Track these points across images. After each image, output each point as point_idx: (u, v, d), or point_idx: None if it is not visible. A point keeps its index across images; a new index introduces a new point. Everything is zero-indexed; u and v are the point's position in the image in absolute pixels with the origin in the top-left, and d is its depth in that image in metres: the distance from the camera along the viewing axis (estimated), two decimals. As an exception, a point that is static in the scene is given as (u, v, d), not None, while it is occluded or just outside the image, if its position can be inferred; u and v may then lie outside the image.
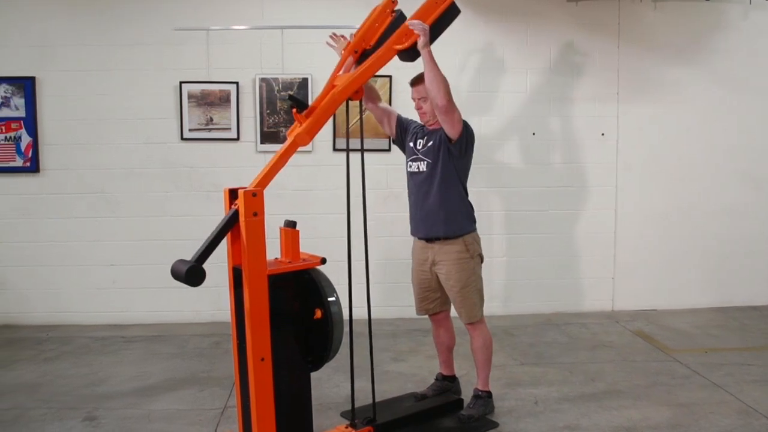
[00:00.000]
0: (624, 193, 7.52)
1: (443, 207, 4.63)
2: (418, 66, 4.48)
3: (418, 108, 4.74)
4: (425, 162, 4.66)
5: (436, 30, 4.39)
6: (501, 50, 7.29)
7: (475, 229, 4.77)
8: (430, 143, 4.66)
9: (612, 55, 7.38)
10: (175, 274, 3.44)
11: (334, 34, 4.82)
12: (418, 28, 4.25)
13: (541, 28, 7.30)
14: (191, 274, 3.37)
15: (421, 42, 4.26)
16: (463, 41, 7.14)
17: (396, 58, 4.37)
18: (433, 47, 4.36)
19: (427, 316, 5.00)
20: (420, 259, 4.85)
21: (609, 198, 7.51)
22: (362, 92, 4.33)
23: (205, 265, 3.46)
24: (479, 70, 7.24)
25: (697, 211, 7.64)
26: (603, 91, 7.40)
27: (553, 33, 7.32)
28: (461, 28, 7.16)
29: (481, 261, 4.79)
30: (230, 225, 3.58)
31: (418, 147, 4.75)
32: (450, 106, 4.43)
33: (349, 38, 4.63)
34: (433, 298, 4.88)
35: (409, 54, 4.37)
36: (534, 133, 7.34)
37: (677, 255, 7.65)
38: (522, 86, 7.33)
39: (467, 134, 4.60)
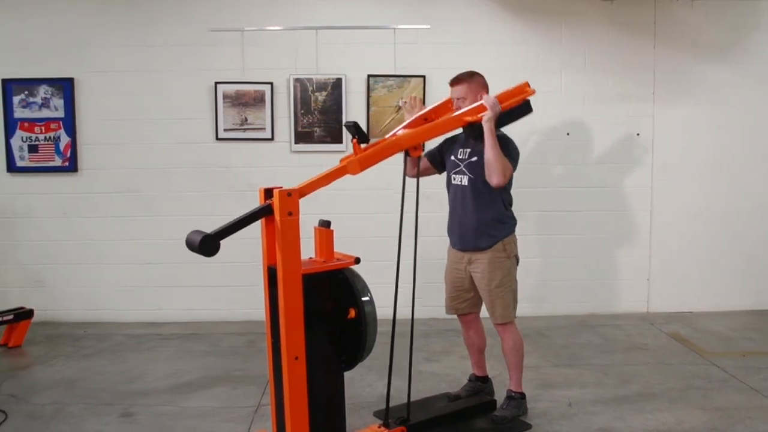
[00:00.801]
0: (659, 194, 7.46)
1: (483, 222, 4.64)
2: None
3: (457, 108, 4.73)
4: (467, 177, 4.65)
5: (504, 116, 4.48)
6: (535, 49, 7.26)
7: (513, 232, 4.76)
8: (474, 158, 4.62)
9: (648, 55, 7.32)
10: (189, 244, 3.45)
11: (413, 98, 4.90)
12: (489, 103, 4.35)
13: (576, 27, 7.26)
14: (204, 243, 3.36)
15: (486, 115, 4.34)
16: (497, 40, 7.14)
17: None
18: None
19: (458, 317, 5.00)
20: (456, 257, 4.84)
21: (644, 199, 7.46)
22: (421, 150, 4.41)
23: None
24: (513, 70, 7.19)
25: (733, 212, 7.56)
26: (638, 90, 7.34)
27: (588, 32, 7.28)
28: (495, 28, 7.20)
29: (517, 262, 4.77)
30: (259, 215, 3.60)
31: (460, 157, 4.73)
32: (504, 183, 4.46)
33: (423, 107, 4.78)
34: (464, 298, 4.87)
35: (475, 129, 4.47)
36: (568, 133, 7.31)
37: (713, 256, 7.58)
38: (556, 86, 7.29)
39: (513, 166, 4.58)
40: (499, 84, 7.10)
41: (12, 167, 7.13)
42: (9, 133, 7.07)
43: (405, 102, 4.93)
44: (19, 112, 7.05)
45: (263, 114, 7.13)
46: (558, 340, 6.60)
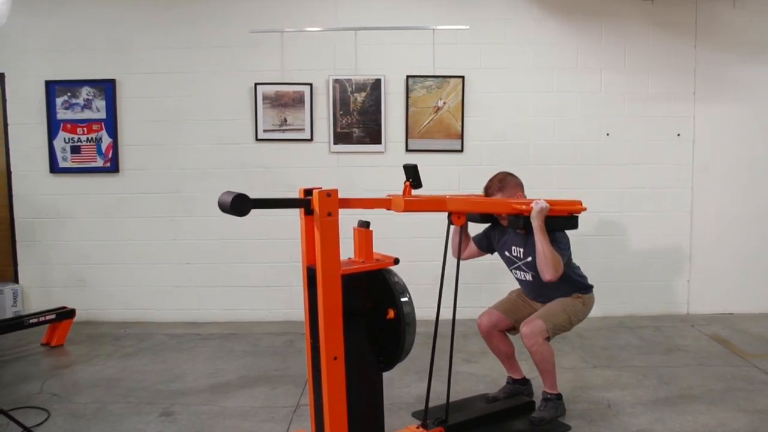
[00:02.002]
0: (700, 195, 7.39)
1: (558, 293, 4.74)
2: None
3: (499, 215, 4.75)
4: (530, 274, 4.71)
5: (551, 221, 4.48)
6: (574, 50, 7.22)
7: (591, 292, 4.92)
8: (530, 258, 4.63)
9: (688, 54, 7.25)
10: (221, 205, 3.47)
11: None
12: (539, 203, 4.39)
13: (616, 27, 7.21)
14: (237, 202, 3.39)
15: (534, 212, 4.38)
16: (536, 40, 7.12)
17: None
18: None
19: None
20: None
21: (685, 199, 7.39)
22: (463, 220, 4.43)
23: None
24: (552, 70, 7.19)
25: (775, 213, 7.48)
26: (679, 90, 7.28)
27: (627, 32, 7.22)
28: (533, 28, 7.17)
29: (583, 316, 4.86)
30: (297, 203, 3.65)
31: (514, 254, 4.76)
32: (556, 278, 4.45)
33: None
34: (512, 312, 4.90)
35: (518, 219, 4.51)
36: (608, 134, 7.26)
37: (755, 258, 7.48)
38: (596, 86, 7.25)
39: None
40: (540, 84, 7.12)
41: (55, 168, 7.23)
42: (52, 135, 7.17)
43: None
44: (61, 114, 7.15)
45: (302, 115, 7.16)
46: (597, 342, 6.56)
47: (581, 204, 4.66)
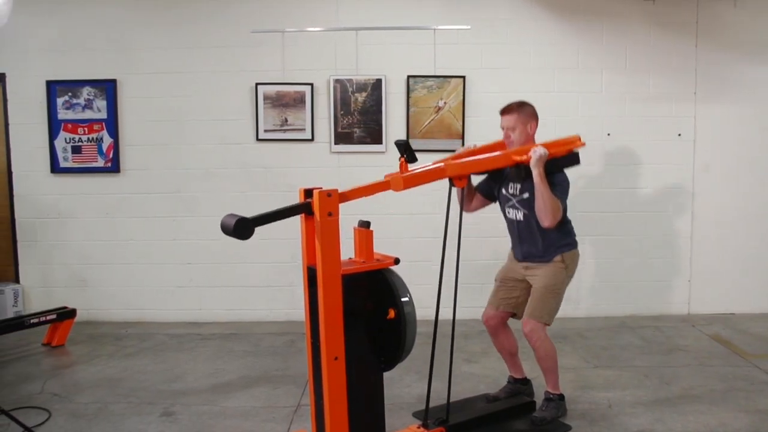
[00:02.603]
0: (701, 195, 7.38)
1: (543, 244, 4.65)
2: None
3: (506, 137, 4.71)
4: (522, 212, 4.68)
5: (551, 163, 4.45)
6: (575, 50, 7.22)
7: (575, 248, 4.77)
8: (526, 195, 4.62)
9: (689, 54, 7.25)
10: (224, 227, 3.50)
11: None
12: (537, 150, 4.36)
13: (617, 26, 7.21)
14: (240, 226, 3.42)
15: (533, 161, 4.34)
16: (537, 40, 7.12)
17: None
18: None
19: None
20: (516, 262, 4.88)
21: (685, 199, 7.38)
22: (465, 182, 4.47)
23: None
24: (553, 70, 7.19)
25: (776, 213, 7.48)
26: (680, 90, 7.27)
27: (629, 32, 7.22)
28: (535, 28, 7.17)
29: (569, 280, 4.78)
30: (297, 210, 3.65)
31: (511, 192, 4.74)
32: (554, 225, 4.45)
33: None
34: (510, 296, 4.86)
35: (521, 170, 4.50)
36: (609, 134, 7.26)
37: (756, 258, 7.48)
38: (597, 86, 7.25)
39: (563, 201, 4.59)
40: (541, 84, 7.11)
41: (56, 168, 7.23)
42: (53, 135, 7.18)
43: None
44: (62, 114, 7.15)
45: (303, 115, 7.16)
46: (598, 342, 6.57)
47: (580, 139, 4.62)
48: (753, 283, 7.49)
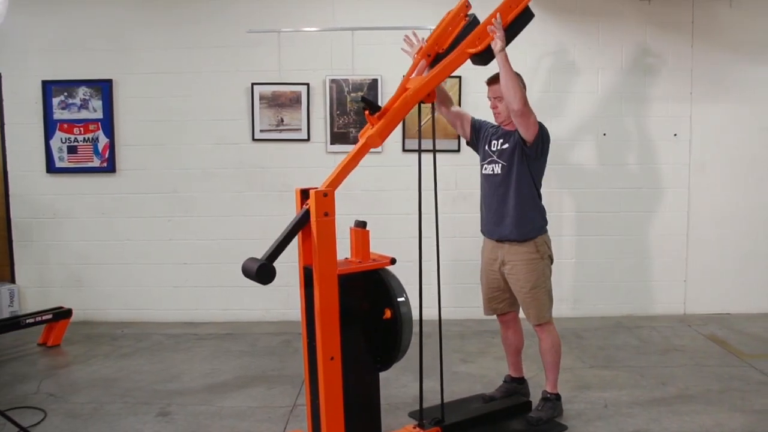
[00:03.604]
0: (697, 195, 7.39)
1: (516, 209, 4.60)
2: (490, 68, 4.49)
3: (494, 107, 4.72)
4: (500, 164, 4.65)
5: (509, 34, 4.39)
6: (572, 50, 7.23)
7: (546, 231, 4.74)
8: (506, 146, 4.62)
9: (685, 55, 7.25)
10: (246, 272, 3.49)
11: (408, 37, 4.78)
12: (497, 43, 4.30)
13: (613, 27, 7.21)
14: (262, 272, 3.41)
15: (497, 46, 4.28)
16: (534, 41, 7.09)
17: (469, 61, 4.38)
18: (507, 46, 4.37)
19: (495, 318, 4.99)
20: (489, 258, 4.82)
21: (681, 199, 7.39)
22: (434, 96, 4.33)
23: (275, 264, 3.50)
24: (550, 71, 7.19)
25: (772, 213, 7.49)
26: (676, 90, 7.27)
27: (625, 32, 7.22)
28: (531, 29, 7.10)
29: (551, 262, 4.76)
30: (301, 224, 3.62)
31: (493, 149, 4.72)
32: (525, 110, 4.40)
33: (422, 41, 4.63)
34: (501, 299, 4.85)
35: (483, 58, 4.40)
36: (605, 134, 7.26)
37: (752, 258, 7.48)
38: (593, 86, 7.25)
39: (543, 136, 4.57)
40: (536, 84, 7.11)
41: (51, 168, 7.22)
42: (48, 135, 7.17)
43: (404, 47, 4.86)
44: (58, 114, 7.15)
45: (299, 115, 7.16)
46: (594, 342, 6.57)
47: None
48: (749, 283, 7.49)
